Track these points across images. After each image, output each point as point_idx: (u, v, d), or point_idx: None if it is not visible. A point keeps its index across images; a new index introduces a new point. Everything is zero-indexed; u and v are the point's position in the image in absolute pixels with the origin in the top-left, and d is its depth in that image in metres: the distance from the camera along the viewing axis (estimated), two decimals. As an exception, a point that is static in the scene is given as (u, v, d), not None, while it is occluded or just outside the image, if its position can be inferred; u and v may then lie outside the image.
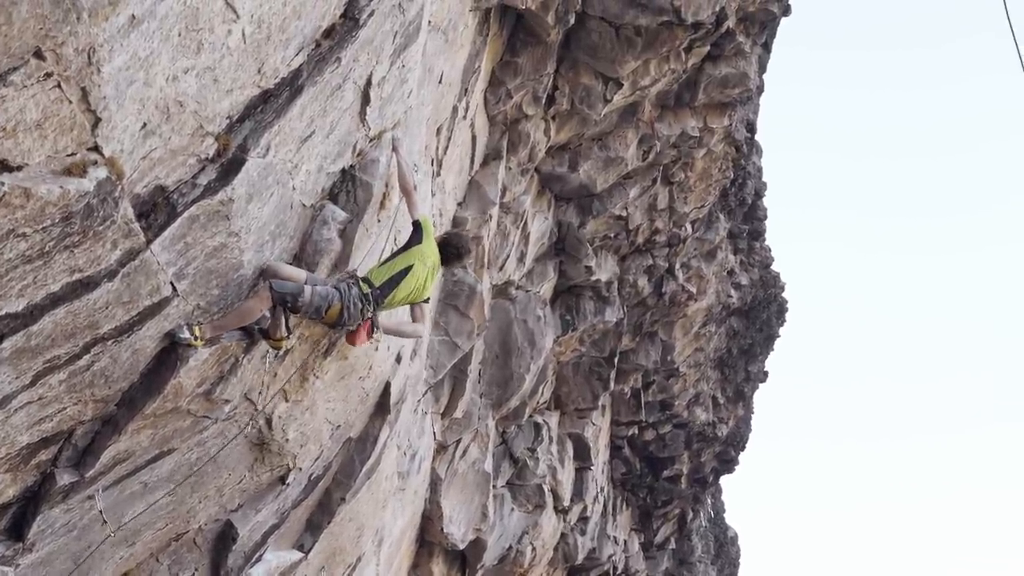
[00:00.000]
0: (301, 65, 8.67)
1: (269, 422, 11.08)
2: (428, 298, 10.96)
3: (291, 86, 8.56)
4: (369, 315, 9.91)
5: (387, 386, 13.71)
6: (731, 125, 28.63)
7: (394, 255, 10.22)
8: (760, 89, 29.92)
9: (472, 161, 20.18)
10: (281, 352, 10.16)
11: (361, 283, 9.70)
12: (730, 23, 24.62)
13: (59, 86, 5.91)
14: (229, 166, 8.02)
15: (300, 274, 9.41)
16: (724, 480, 52.14)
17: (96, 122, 6.32)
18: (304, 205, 9.47)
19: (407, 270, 10.06)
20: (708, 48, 25.05)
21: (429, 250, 10.37)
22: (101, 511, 9.33)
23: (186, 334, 8.41)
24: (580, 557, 33.68)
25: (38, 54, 5.71)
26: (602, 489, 36.51)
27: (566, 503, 31.16)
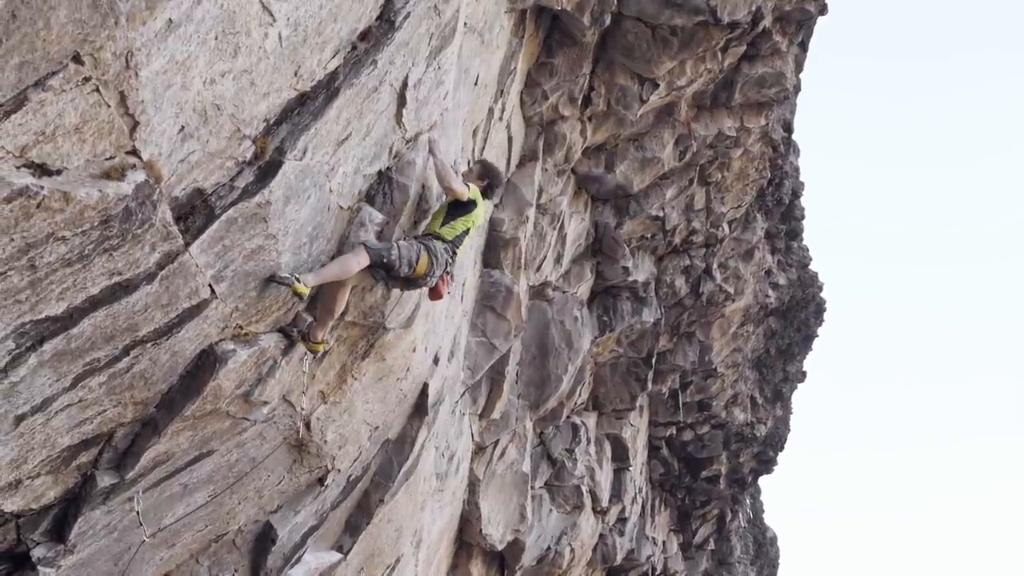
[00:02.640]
0: (337, 68, 8.69)
1: (308, 424, 11.11)
2: None
3: (328, 89, 8.58)
4: (450, 268, 10.60)
5: (425, 387, 13.73)
6: (768, 125, 28.49)
7: (452, 215, 10.64)
8: (797, 88, 29.74)
9: (508, 162, 20.15)
10: (319, 355, 10.21)
11: (436, 239, 10.32)
12: (766, 23, 24.50)
13: (97, 90, 5.95)
14: (267, 169, 8.05)
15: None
16: (763, 481, 51.93)
17: (134, 126, 6.36)
18: (341, 207, 9.48)
19: (466, 232, 10.74)
20: (744, 48, 24.93)
21: (481, 214, 11.07)
22: (138, 512, 9.38)
23: (287, 277, 8.76)
24: (619, 558, 33.58)
25: (76, 58, 5.75)
26: (640, 490, 36.43)
27: (604, 504, 31.09)
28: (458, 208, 10.65)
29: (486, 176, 11.43)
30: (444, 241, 10.41)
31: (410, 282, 10.28)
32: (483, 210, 11.21)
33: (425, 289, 10.71)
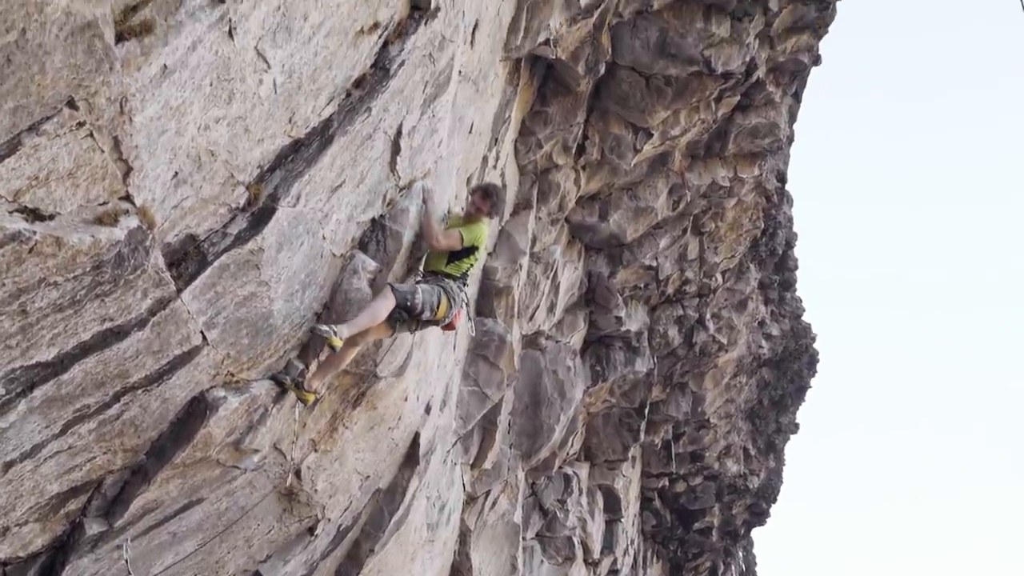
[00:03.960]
0: (332, 115, 8.70)
1: (298, 472, 11.04)
2: None
3: (322, 136, 8.58)
4: (465, 301, 10.93)
5: (416, 436, 13.68)
6: (761, 175, 28.59)
7: (455, 256, 10.77)
8: (791, 139, 29.88)
9: (502, 211, 20.17)
10: (309, 403, 10.17)
11: (446, 278, 10.59)
12: (760, 73, 24.65)
13: (91, 135, 5.93)
14: (260, 215, 8.03)
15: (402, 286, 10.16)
16: (756, 533, 51.77)
17: (128, 171, 6.34)
18: (334, 254, 9.47)
19: (473, 265, 11.00)
20: (738, 98, 25.06)
21: (483, 246, 11.39)
22: (127, 561, 9.29)
23: (326, 330, 9.01)
24: (610, 610, 33.41)
25: (71, 103, 5.73)
26: (632, 541, 36.29)
27: (596, 555, 30.98)
28: (461, 252, 10.72)
29: (487, 198, 11.37)
30: (453, 279, 10.59)
31: (426, 323, 10.50)
32: (485, 238, 11.31)
33: (420, 334, 10.91)
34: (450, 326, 11.08)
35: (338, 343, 9.12)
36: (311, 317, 9.56)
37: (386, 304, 9.67)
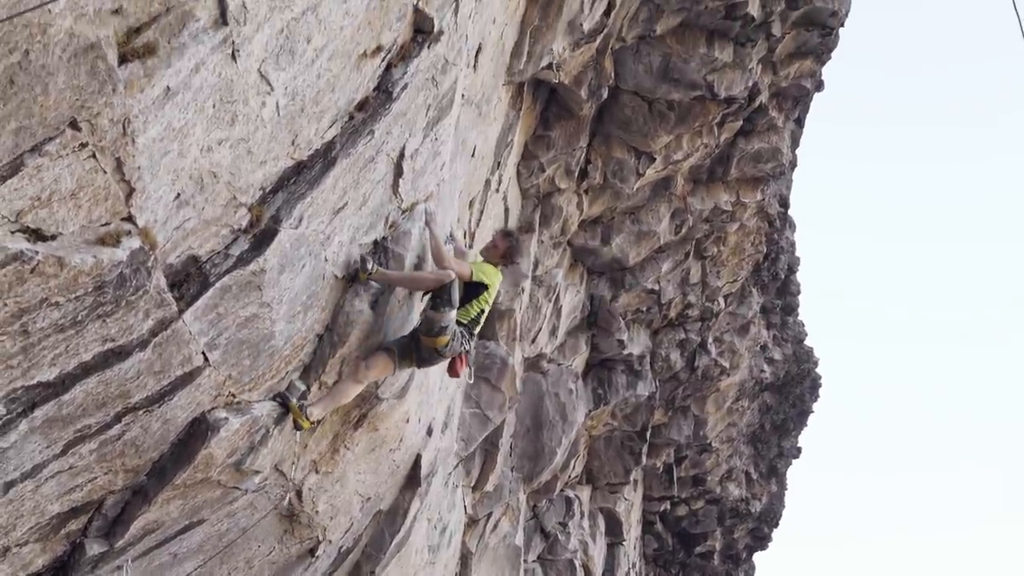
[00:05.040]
0: (335, 137, 8.72)
1: (299, 494, 11.03)
2: None
3: (324, 158, 8.60)
4: (467, 348, 10.82)
5: (418, 458, 13.66)
6: (764, 200, 28.65)
7: (466, 297, 10.69)
8: (793, 164, 29.93)
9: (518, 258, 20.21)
10: (305, 430, 10.13)
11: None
12: (763, 98, 24.73)
13: (94, 156, 5.95)
14: (262, 237, 8.04)
15: None
16: (757, 557, 51.55)
17: (130, 192, 6.35)
18: (336, 276, 9.48)
19: (481, 313, 10.91)
20: (741, 123, 25.14)
21: (493, 292, 11.12)
22: (129, 582, 9.28)
23: (369, 264, 9.62)
24: (611, 634, 33.30)
25: (73, 124, 5.75)
26: (634, 565, 36.18)
27: (597, 579, 30.88)
28: (469, 289, 10.71)
29: (507, 237, 11.59)
30: (460, 324, 10.49)
31: (426, 360, 10.55)
32: (497, 284, 11.24)
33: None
34: (453, 371, 11.11)
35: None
36: (313, 338, 9.58)
37: (433, 279, 10.10)
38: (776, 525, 47.98)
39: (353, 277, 9.68)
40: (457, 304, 10.07)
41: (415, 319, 11.08)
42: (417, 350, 10.40)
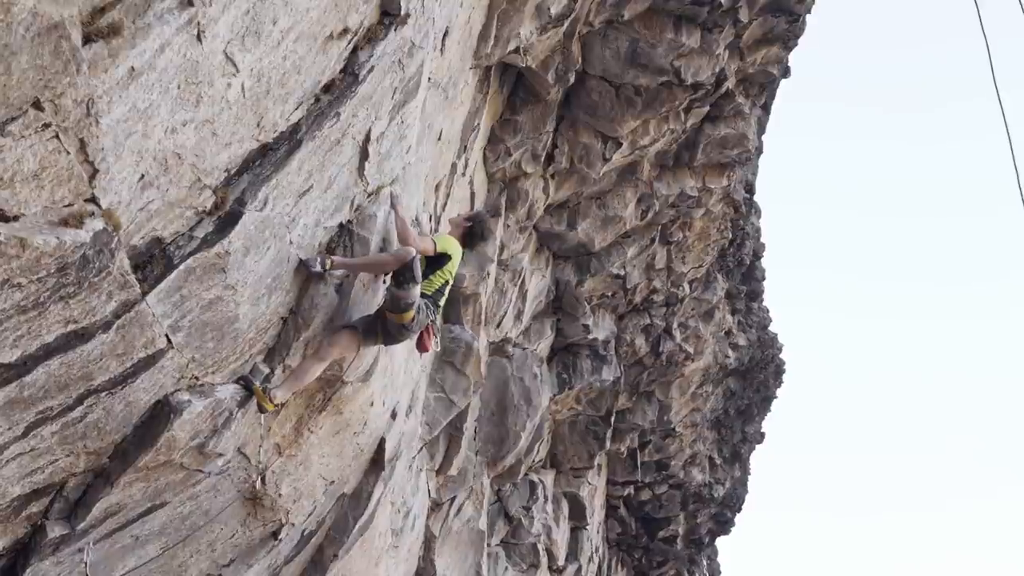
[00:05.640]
0: (300, 119, 8.69)
1: (263, 477, 11.01)
2: None
3: (290, 140, 8.57)
4: (433, 318, 10.81)
5: (382, 442, 13.65)
6: (730, 186, 28.68)
7: (428, 269, 10.78)
8: (759, 150, 29.98)
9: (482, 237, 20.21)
10: (269, 412, 10.11)
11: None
12: (730, 84, 24.74)
13: (57, 137, 5.91)
14: (226, 219, 8.02)
15: None
16: (720, 542, 51.81)
17: (94, 173, 6.32)
18: (301, 259, 9.46)
19: (445, 284, 10.94)
20: (707, 109, 25.15)
21: (456, 264, 11.16)
22: (87, 564, 9.24)
23: (317, 267, 9.49)
24: (574, 618, 33.39)
25: (37, 104, 5.71)
26: (597, 549, 36.30)
27: (561, 563, 30.95)
28: (432, 262, 10.75)
29: (473, 216, 11.77)
30: (424, 296, 10.48)
31: (393, 336, 10.51)
32: (459, 256, 11.30)
33: (381, 346, 10.88)
34: (423, 346, 11.14)
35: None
36: (277, 321, 9.56)
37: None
38: (739, 510, 48.18)
39: (316, 273, 9.66)
40: (420, 279, 10.03)
41: (380, 298, 11.08)
42: (383, 327, 10.40)
